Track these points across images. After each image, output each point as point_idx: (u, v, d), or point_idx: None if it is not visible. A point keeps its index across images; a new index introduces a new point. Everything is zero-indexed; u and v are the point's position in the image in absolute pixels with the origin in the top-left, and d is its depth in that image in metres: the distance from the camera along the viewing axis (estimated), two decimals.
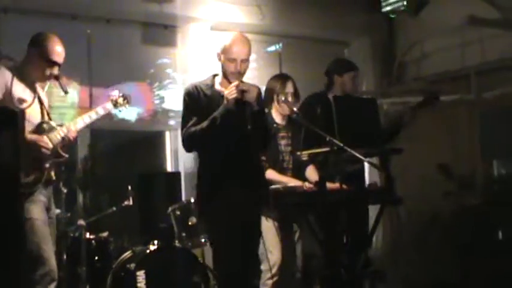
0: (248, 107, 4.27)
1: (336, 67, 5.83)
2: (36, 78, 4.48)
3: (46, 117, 4.50)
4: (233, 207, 4.25)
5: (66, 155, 4.52)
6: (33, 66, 4.44)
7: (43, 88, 4.63)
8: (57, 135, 4.42)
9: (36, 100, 4.45)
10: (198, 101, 4.36)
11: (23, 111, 4.21)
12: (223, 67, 4.39)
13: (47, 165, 4.38)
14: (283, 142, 5.29)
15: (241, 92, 4.23)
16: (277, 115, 5.32)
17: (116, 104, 4.82)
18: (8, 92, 4.25)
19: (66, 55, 6.42)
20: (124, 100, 4.86)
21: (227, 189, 4.29)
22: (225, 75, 4.39)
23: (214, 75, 4.48)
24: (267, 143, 4.60)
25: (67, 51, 6.50)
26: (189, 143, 4.37)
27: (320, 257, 5.10)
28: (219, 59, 4.40)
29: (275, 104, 5.26)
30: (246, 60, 4.33)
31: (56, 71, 4.46)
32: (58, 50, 4.47)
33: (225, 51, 4.32)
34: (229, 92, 4.25)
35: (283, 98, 5.13)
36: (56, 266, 4.36)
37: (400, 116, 5.60)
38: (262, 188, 4.46)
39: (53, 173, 4.51)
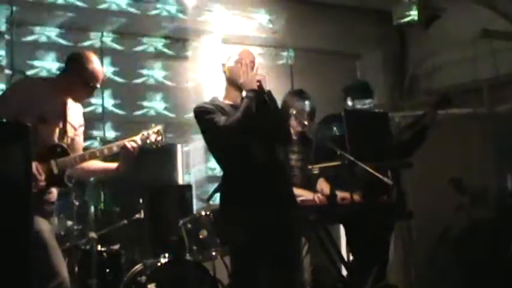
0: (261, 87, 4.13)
1: (352, 91, 5.59)
2: (71, 98, 4.35)
3: (65, 138, 4.33)
4: (259, 213, 4.11)
5: (70, 184, 4.37)
6: (71, 87, 4.31)
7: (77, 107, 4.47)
8: (67, 161, 4.24)
9: (61, 120, 4.32)
10: (215, 109, 4.22)
11: (35, 126, 4.13)
12: (230, 73, 4.30)
13: (46, 192, 4.23)
14: (293, 157, 5.30)
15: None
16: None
17: (146, 140, 4.49)
18: (25, 110, 4.11)
19: None
20: (158, 137, 4.53)
21: (253, 190, 4.15)
22: (232, 84, 4.29)
23: (215, 97, 4.37)
24: (285, 135, 4.40)
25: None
26: (233, 132, 4.10)
27: (328, 271, 5.09)
28: (224, 69, 4.32)
29: (291, 120, 5.25)
30: (253, 64, 4.23)
31: (93, 94, 4.39)
32: (100, 75, 4.33)
33: (231, 57, 4.30)
34: (243, 72, 4.15)
35: (294, 112, 5.14)
36: (67, 277, 4.29)
37: (416, 121, 5.50)
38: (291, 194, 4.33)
39: (54, 195, 4.36)
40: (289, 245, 4.24)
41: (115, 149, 4.38)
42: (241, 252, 4.20)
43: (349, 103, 5.47)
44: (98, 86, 4.35)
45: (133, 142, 4.39)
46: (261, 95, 4.11)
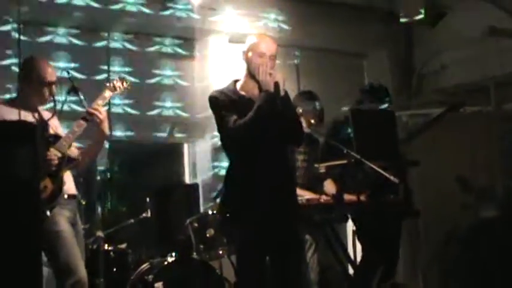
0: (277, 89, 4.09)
1: (371, 93, 5.59)
2: (38, 102, 4.54)
3: (51, 131, 4.50)
4: (265, 209, 4.09)
5: (78, 158, 4.54)
6: (31, 91, 4.50)
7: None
8: (64, 142, 4.44)
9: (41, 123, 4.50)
10: (228, 103, 4.20)
11: (46, 123, 4.26)
12: (250, 65, 4.23)
13: (62, 174, 4.39)
14: (300, 158, 5.31)
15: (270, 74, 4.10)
16: None
17: (114, 88, 4.75)
18: None
19: (87, 67, 6.58)
20: (122, 82, 4.80)
21: (259, 186, 4.12)
22: (251, 75, 4.23)
23: (235, 81, 4.33)
24: (298, 136, 4.36)
25: (87, 63, 6.67)
26: (239, 136, 4.10)
27: (335, 269, 5.10)
28: (245, 58, 4.24)
29: None
30: (274, 57, 4.21)
31: (54, 89, 4.53)
32: (51, 70, 4.54)
33: (253, 47, 4.21)
34: (262, 71, 4.10)
35: (300, 110, 5.14)
36: (85, 275, 4.38)
37: (428, 126, 5.50)
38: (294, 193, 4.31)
39: (72, 187, 4.55)
40: (292, 243, 4.24)
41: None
42: (244, 249, 4.21)
43: (366, 105, 5.47)
44: (53, 80, 4.51)
45: (96, 106, 4.55)
46: (274, 99, 4.09)
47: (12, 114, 4.37)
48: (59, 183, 4.36)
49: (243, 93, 4.26)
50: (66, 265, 4.28)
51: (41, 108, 4.59)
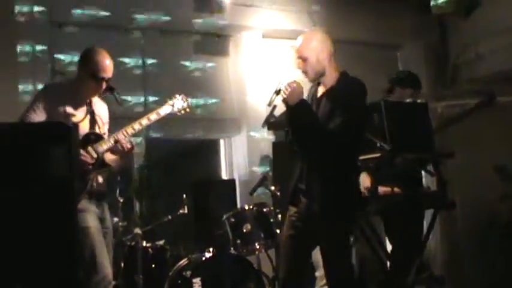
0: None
1: (400, 79, 5.64)
2: (88, 94, 4.56)
3: (97, 128, 4.55)
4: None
5: (112, 165, 4.57)
6: (83, 82, 4.52)
7: (99, 97, 4.71)
8: (103, 145, 4.47)
9: (88, 114, 4.54)
10: None
11: (76, 126, 4.30)
12: None
13: (90, 176, 4.44)
14: None
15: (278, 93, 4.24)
16: None
17: (172, 108, 4.80)
18: (54, 111, 4.39)
19: (121, 66, 6.64)
20: (184, 102, 4.85)
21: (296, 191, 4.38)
22: None
23: None
24: (324, 142, 4.34)
25: (122, 63, 6.72)
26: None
27: (373, 262, 5.09)
28: None
29: None
30: (303, 58, 4.36)
31: (105, 86, 4.53)
32: (106, 66, 4.50)
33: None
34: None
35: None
36: (110, 272, 4.42)
37: (460, 117, 5.47)
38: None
39: (99, 185, 4.56)
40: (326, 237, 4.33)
41: (145, 122, 4.62)
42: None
43: (396, 93, 5.48)
44: (106, 77, 4.51)
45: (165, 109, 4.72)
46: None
47: (60, 102, 4.42)
48: (85, 183, 4.38)
49: None
50: (92, 262, 4.29)
51: (97, 101, 4.64)
